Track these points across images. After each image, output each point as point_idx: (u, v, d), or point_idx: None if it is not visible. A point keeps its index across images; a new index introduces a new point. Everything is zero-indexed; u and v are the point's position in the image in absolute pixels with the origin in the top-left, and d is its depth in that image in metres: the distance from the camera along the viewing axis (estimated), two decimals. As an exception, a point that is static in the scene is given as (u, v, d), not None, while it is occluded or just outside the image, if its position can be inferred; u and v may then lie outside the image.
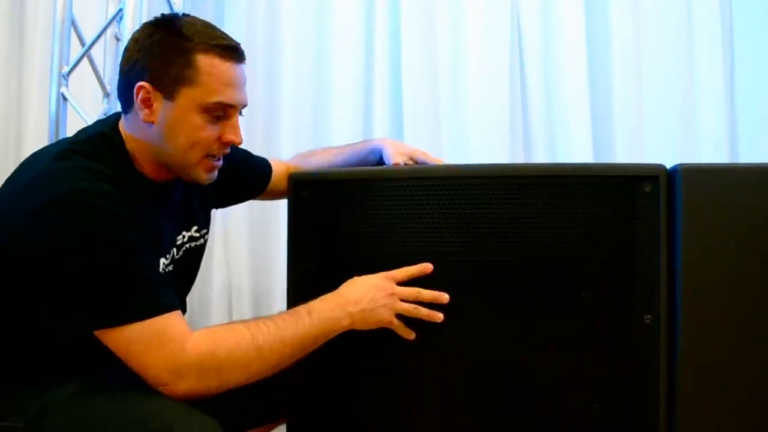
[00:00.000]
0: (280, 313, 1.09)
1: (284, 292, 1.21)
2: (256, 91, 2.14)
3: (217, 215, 2.10)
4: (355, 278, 1.14)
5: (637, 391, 1.09)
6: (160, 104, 1.09)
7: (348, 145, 1.53)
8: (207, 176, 1.14)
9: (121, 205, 1.02)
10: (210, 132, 1.10)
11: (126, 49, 1.13)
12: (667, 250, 1.08)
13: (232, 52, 1.11)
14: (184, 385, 1.00)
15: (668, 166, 1.11)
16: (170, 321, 1.02)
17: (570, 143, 2.04)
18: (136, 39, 1.11)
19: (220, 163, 1.15)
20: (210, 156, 1.13)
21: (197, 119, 1.09)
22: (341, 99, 2.11)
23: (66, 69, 1.88)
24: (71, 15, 1.90)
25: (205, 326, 2.12)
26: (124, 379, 1.02)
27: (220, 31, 1.13)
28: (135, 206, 1.05)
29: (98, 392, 1.03)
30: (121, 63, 1.14)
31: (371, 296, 1.11)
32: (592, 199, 1.10)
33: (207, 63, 1.08)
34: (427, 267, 1.13)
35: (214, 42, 1.09)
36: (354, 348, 1.15)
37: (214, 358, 1.02)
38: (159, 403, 0.98)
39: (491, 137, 2.04)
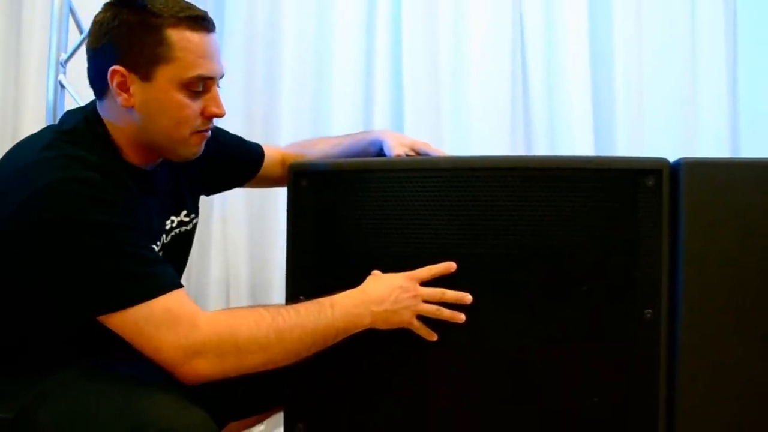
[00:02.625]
0: (302, 303, 1.08)
1: (282, 282, 1.20)
2: (256, 82, 2.13)
3: (215, 205, 2.10)
4: (379, 275, 1.13)
5: (637, 385, 1.08)
6: (137, 87, 1.06)
7: (348, 135, 1.51)
8: (196, 150, 1.14)
9: (108, 192, 1.01)
10: (193, 108, 1.08)
11: (90, 34, 1.09)
12: (669, 245, 1.08)
13: (202, 22, 1.08)
14: (201, 365, 0.98)
15: (670, 160, 1.10)
16: (176, 298, 1.00)
17: (571, 137, 2.03)
18: (99, 21, 1.08)
19: (209, 134, 1.14)
20: (197, 132, 1.11)
21: (178, 97, 1.07)
22: (342, 91, 2.09)
23: (64, 56, 1.86)
24: (69, 2, 1.88)
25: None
26: (115, 367, 1.01)
27: (185, 2, 1.09)
28: (123, 193, 1.03)
29: (89, 383, 1.01)
30: (87, 48, 1.10)
31: (395, 297, 1.09)
32: (594, 192, 1.10)
33: (179, 37, 1.05)
34: (450, 266, 1.11)
35: (182, 14, 1.05)
36: (354, 336, 1.13)
37: (232, 336, 0.99)
38: (150, 396, 0.96)
39: (492, 130, 2.03)
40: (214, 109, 1.10)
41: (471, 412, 1.13)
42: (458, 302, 1.11)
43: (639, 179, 1.08)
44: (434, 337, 1.11)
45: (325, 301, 1.08)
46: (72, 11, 1.89)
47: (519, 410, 1.12)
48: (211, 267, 2.11)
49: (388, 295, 1.09)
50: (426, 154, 1.34)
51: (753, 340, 1.05)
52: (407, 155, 1.31)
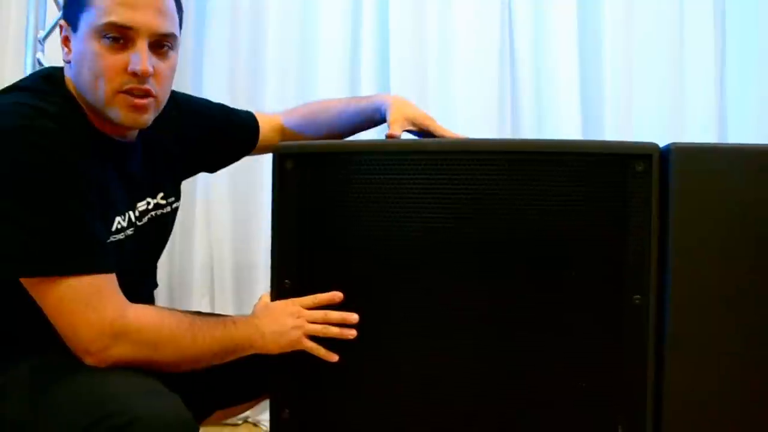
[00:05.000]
0: (208, 318, 1.11)
1: (266, 263, 1.20)
2: (241, 54, 2.10)
3: (199, 186, 2.07)
4: (266, 303, 1.15)
5: (625, 371, 1.08)
6: (71, 38, 1.03)
7: (352, 100, 1.44)
8: (127, 116, 1.04)
9: (63, 146, 0.96)
10: (110, 60, 1.01)
11: None
12: (659, 230, 1.07)
13: None
14: (117, 351, 0.97)
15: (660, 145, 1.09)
16: (110, 282, 0.99)
17: (559, 122, 2.02)
18: None
19: (145, 101, 1.04)
20: (124, 92, 1.02)
21: (95, 46, 1.01)
22: (327, 69, 2.07)
23: (42, 34, 1.83)
24: (47, -22, 1.84)
25: (187, 302, 2.10)
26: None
27: None
28: (78, 150, 0.98)
29: (55, 372, 0.98)
30: None
31: (282, 321, 1.11)
32: (583, 177, 1.08)
33: None
34: (336, 295, 1.12)
35: None
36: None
37: (155, 330, 1.01)
38: (118, 384, 0.94)
39: (479, 114, 2.02)
40: (134, 66, 1.00)
41: (457, 397, 1.12)
42: (343, 322, 1.12)
43: (629, 164, 1.07)
44: (334, 357, 1.12)
45: (227, 318, 1.12)
46: (50, -13, 1.85)
47: (504, 395, 1.11)
48: (194, 248, 2.10)
49: (275, 320, 1.12)
50: (427, 130, 1.31)
51: (741, 325, 1.05)
52: (407, 130, 1.29)
